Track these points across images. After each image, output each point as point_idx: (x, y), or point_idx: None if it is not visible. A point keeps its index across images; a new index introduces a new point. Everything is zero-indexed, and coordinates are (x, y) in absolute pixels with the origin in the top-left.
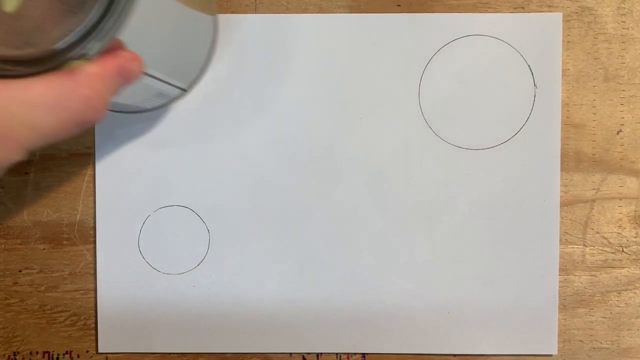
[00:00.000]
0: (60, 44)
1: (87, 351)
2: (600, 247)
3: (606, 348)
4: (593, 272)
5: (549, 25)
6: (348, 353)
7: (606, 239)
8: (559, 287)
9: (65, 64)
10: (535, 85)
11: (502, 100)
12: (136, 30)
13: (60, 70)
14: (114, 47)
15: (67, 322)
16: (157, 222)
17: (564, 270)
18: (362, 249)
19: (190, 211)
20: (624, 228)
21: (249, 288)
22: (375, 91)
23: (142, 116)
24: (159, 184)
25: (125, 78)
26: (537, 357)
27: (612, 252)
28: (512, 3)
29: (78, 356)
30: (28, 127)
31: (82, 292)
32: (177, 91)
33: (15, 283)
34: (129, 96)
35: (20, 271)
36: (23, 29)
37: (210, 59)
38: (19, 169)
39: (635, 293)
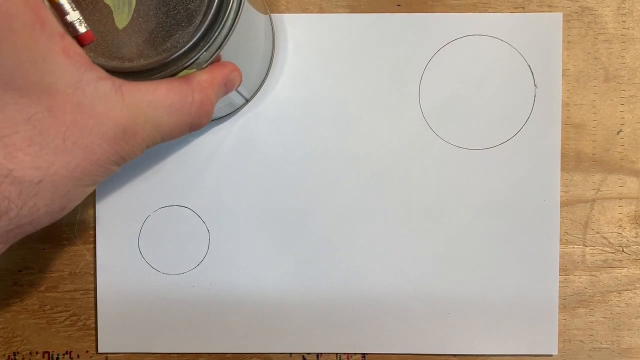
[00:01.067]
0: (171, 56)
1: (87, 351)
2: (600, 247)
3: (606, 348)
4: (593, 272)
5: (549, 25)
6: (348, 353)
7: (606, 239)
8: (559, 287)
9: (178, 73)
10: (535, 85)
11: (502, 100)
12: (234, 43)
13: (175, 78)
14: (216, 59)
15: (67, 322)
16: (157, 222)
17: (564, 270)
18: (362, 249)
19: (190, 211)
20: (624, 228)
21: (249, 288)
22: (375, 91)
23: None
24: (159, 184)
25: (228, 87)
26: (537, 357)
27: (612, 252)
28: (512, 3)
29: (78, 356)
30: (153, 126)
31: (82, 292)
32: (243, 100)
33: (15, 283)
34: None
35: (20, 271)
36: (134, 43)
37: (270, 68)
38: None
39: (636, 293)
